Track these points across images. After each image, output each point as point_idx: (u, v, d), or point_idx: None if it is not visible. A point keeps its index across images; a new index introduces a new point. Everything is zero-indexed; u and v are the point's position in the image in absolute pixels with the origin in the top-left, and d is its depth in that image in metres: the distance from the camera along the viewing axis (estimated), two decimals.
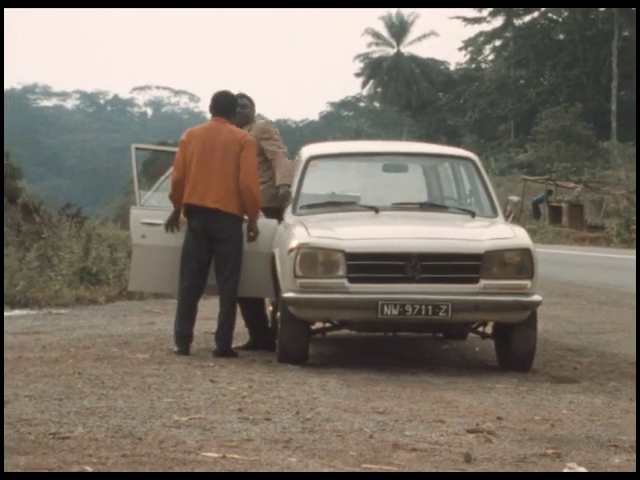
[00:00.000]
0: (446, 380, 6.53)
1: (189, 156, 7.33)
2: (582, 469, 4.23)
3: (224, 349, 7.31)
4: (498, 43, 61.21)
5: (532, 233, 13.56)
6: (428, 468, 4.19)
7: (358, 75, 66.91)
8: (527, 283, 6.85)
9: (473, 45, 62.08)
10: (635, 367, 7.18)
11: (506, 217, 7.78)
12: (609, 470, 4.26)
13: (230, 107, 7.50)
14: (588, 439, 4.86)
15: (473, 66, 63.70)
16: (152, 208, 7.73)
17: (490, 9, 57.95)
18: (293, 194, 7.73)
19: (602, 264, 19.27)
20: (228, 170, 7.27)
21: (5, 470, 3.92)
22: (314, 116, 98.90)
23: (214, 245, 7.35)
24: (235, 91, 7.83)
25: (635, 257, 18.25)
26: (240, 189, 7.26)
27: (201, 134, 7.41)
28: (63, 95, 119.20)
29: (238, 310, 7.63)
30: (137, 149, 7.80)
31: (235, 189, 7.27)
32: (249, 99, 7.99)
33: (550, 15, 58.13)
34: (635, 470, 4.26)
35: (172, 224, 7.49)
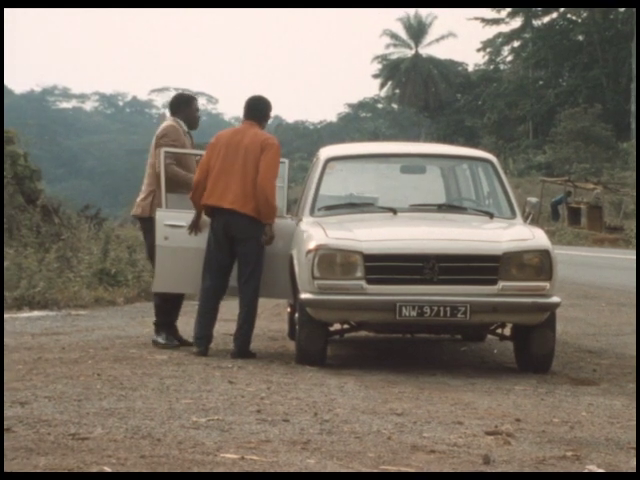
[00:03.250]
0: (464, 382, 6.51)
1: (214, 159, 7.40)
2: (601, 471, 4.21)
3: (242, 350, 7.33)
4: (517, 44, 61.06)
5: (551, 234, 13.50)
6: (446, 470, 4.18)
7: (376, 76, 66.93)
8: (546, 285, 6.83)
9: (491, 46, 61.95)
10: None
11: (525, 218, 7.76)
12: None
13: (261, 111, 7.55)
14: (608, 441, 4.84)
15: (491, 67, 63.58)
16: (176, 210, 7.78)
17: (508, 10, 57.81)
18: (312, 195, 7.75)
19: (621, 266, 19.19)
20: (247, 172, 7.30)
21: (25, 470, 3.94)
22: (332, 117, 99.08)
23: (234, 246, 7.38)
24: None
25: None
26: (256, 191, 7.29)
27: (228, 137, 7.48)
28: (82, 97, 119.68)
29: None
30: (167, 152, 7.84)
31: (253, 191, 7.29)
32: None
33: (569, 16, 57.93)
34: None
35: (194, 226, 7.54)
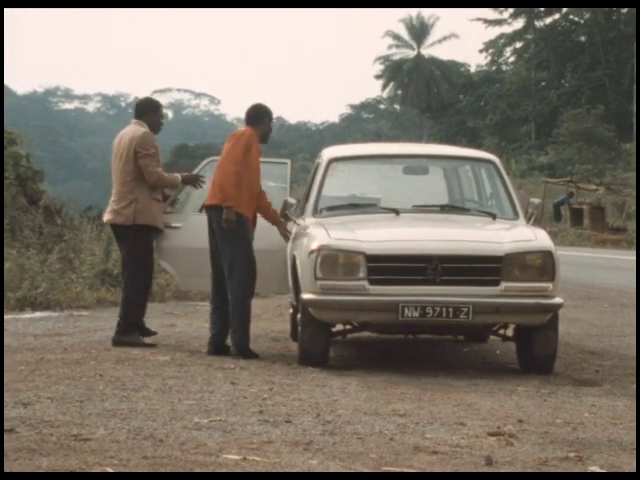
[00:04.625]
0: (467, 383, 6.51)
1: None
2: (603, 472, 4.20)
3: (239, 349, 7.32)
4: (519, 45, 61.08)
5: (553, 235, 13.50)
6: (449, 471, 4.18)
7: (378, 77, 66.96)
8: (548, 285, 6.82)
9: (494, 47, 61.97)
10: None
11: (527, 219, 7.75)
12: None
13: (255, 115, 7.64)
14: (610, 442, 4.83)
15: (494, 68, 63.59)
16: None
17: (511, 11, 57.81)
18: (314, 196, 7.77)
19: (624, 266, 19.17)
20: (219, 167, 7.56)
21: (28, 471, 3.94)
22: (334, 118, 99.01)
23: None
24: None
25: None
26: None
27: None
28: (84, 98, 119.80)
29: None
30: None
31: None
32: None
33: (571, 17, 57.92)
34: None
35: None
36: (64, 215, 16.04)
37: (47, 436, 4.56)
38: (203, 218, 7.70)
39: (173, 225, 8.06)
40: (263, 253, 7.69)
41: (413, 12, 67.20)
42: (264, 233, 7.79)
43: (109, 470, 3.98)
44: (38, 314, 10.50)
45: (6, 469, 3.95)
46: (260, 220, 7.87)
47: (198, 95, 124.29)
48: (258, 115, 7.64)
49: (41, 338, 8.41)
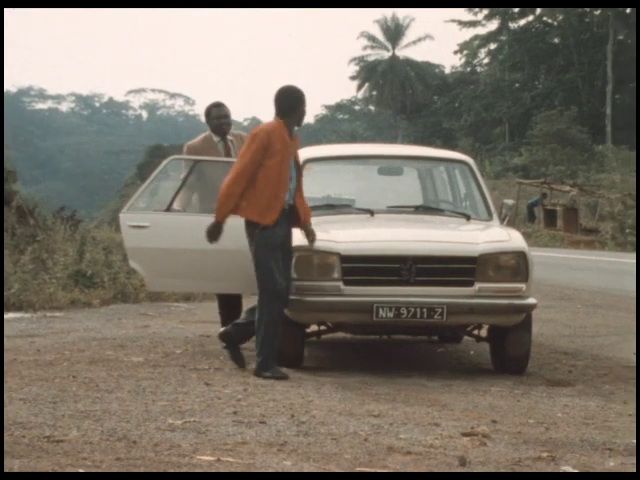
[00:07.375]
0: (441, 383, 6.53)
1: None
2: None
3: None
4: (493, 47, 61.30)
5: (527, 236, 13.55)
6: (423, 471, 4.19)
7: (353, 78, 66.99)
8: (522, 286, 6.85)
9: (468, 49, 62.17)
10: (632, 370, 7.19)
11: (501, 220, 7.79)
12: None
13: (276, 102, 7.20)
14: (583, 442, 4.86)
15: (468, 69, 63.80)
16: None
17: (485, 12, 58.03)
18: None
19: (597, 267, 19.29)
20: None
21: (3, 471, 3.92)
22: (309, 119, 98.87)
23: None
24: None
25: (635, 261, 18.21)
26: None
27: None
28: (58, 98, 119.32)
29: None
30: (175, 159, 7.83)
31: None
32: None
33: (545, 19, 58.21)
34: (635, 470, 4.26)
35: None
36: (37, 215, 15.92)
37: (19, 438, 4.53)
38: (171, 218, 7.59)
39: (141, 225, 7.92)
40: (229, 253, 7.58)
41: (388, 13, 67.31)
42: (230, 233, 7.69)
43: (82, 471, 3.96)
44: (11, 315, 10.43)
45: None
46: (228, 220, 7.75)
47: (173, 95, 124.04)
48: (278, 101, 7.02)
49: (13, 339, 8.36)
